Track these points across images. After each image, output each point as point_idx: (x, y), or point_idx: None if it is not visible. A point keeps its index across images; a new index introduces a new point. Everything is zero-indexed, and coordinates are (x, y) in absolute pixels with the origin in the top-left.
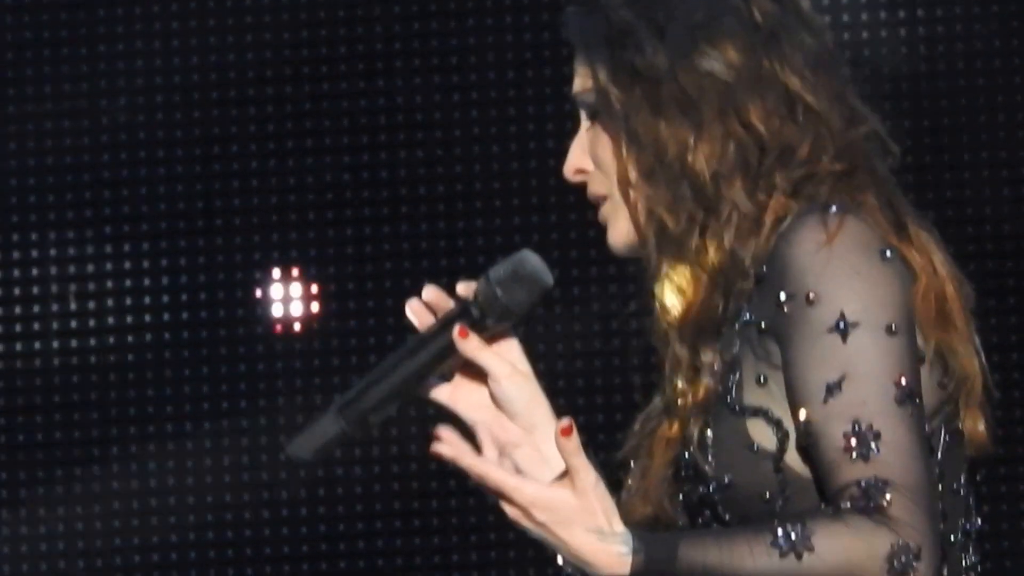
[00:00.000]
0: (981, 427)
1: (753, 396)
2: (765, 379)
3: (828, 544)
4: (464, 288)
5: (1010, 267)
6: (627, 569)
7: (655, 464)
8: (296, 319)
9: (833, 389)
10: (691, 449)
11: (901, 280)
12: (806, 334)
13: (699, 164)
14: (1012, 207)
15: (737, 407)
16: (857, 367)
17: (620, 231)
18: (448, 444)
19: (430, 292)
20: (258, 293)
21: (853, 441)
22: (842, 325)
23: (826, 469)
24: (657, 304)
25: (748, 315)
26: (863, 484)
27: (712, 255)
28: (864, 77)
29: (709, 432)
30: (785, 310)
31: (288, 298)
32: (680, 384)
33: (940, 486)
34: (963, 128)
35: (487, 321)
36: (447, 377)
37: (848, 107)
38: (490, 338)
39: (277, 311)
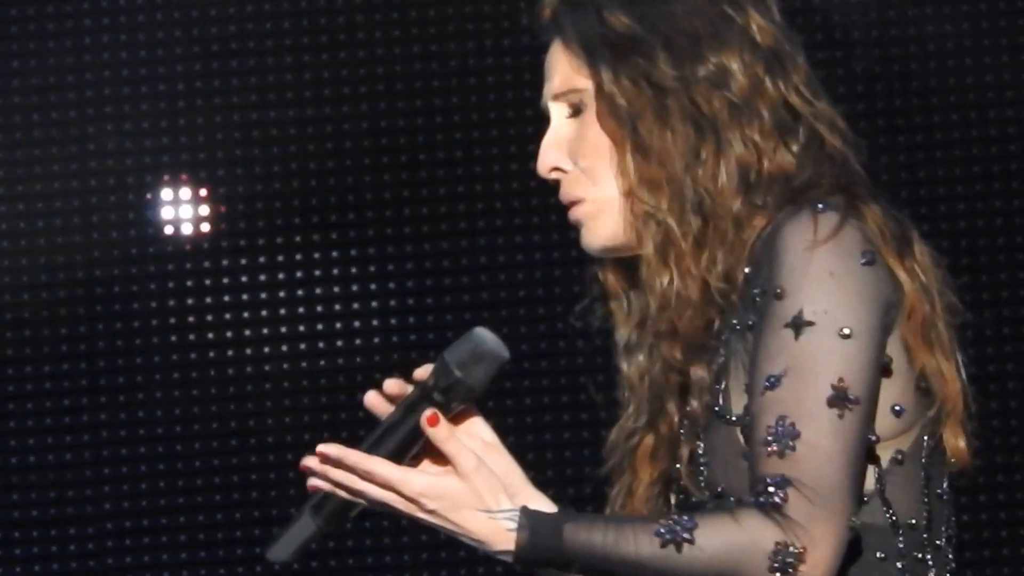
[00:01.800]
0: (962, 443)
1: (740, 404)
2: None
3: (710, 537)
4: (421, 372)
5: (986, 280)
6: (513, 545)
7: (641, 481)
8: (186, 221)
9: (773, 382)
10: (682, 463)
11: (878, 286)
12: (767, 326)
13: (704, 176)
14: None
15: (727, 416)
16: (800, 365)
17: (603, 232)
18: (334, 445)
19: (391, 385)
20: (148, 196)
21: (774, 436)
22: (799, 322)
23: (751, 459)
24: (631, 322)
25: (736, 320)
26: (769, 480)
27: (707, 267)
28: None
29: (700, 443)
30: (757, 302)
31: (178, 201)
32: (669, 405)
33: (926, 492)
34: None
35: (451, 404)
36: (416, 461)
37: (839, 127)
38: (454, 417)
39: (167, 214)
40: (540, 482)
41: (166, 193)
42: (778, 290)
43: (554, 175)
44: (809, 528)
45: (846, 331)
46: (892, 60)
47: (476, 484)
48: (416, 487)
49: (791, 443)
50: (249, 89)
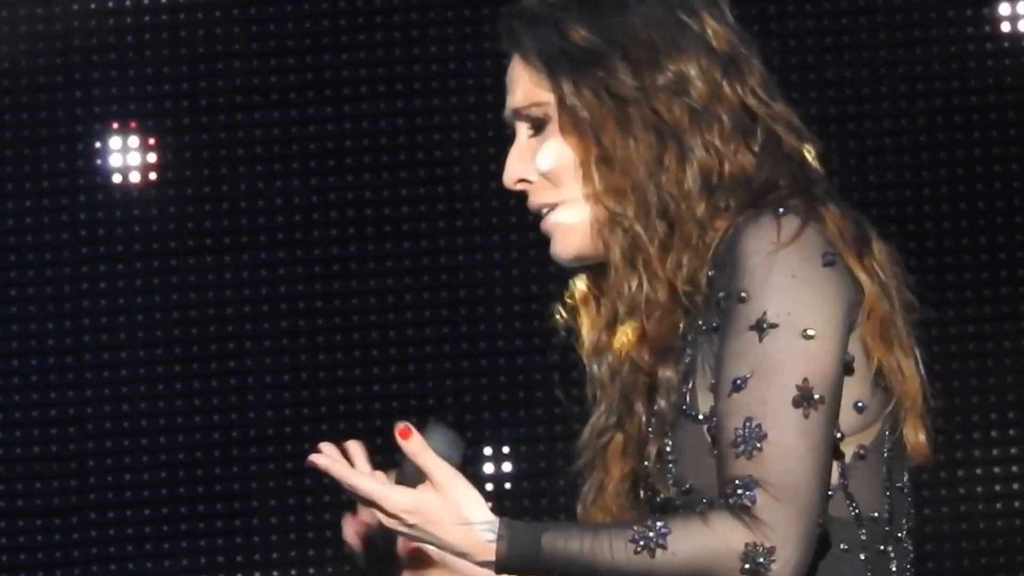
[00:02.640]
0: (922, 437)
1: (707, 403)
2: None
3: (682, 543)
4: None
5: (951, 280)
6: (493, 555)
7: (611, 477)
8: (134, 169)
9: (739, 384)
10: (650, 461)
11: (839, 287)
12: (732, 330)
13: (668, 182)
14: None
15: (694, 415)
16: (765, 366)
17: (572, 244)
18: (325, 456)
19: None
20: (97, 145)
21: (742, 438)
22: (763, 325)
23: (719, 461)
24: (600, 325)
25: (701, 321)
26: (738, 482)
27: (674, 271)
28: None
29: (668, 441)
30: (723, 308)
31: (126, 149)
32: (637, 405)
33: (888, 486)
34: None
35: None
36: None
37: (795, 127)
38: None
39: (115, 162)
40: (515, 475)
41: (114, 141)
42: (742, 294)
43: (520, 186)
44: (778, 528)
45: (809, 332)
46: (855, 63)
47: (452, 495)
48: (396, 503)
49: (758, 444)
50: (197, 41)
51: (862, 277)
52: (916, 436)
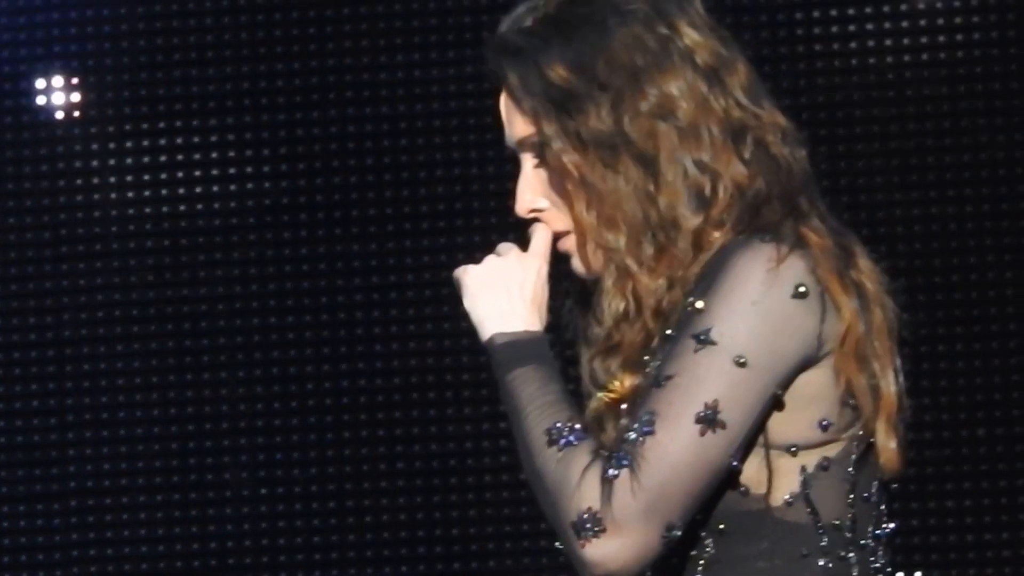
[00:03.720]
0: (892, 445)
1: None
2: None
3: (571, 458)
4: None
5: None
6: (486, 336)
7: None
8: (58, 108)
9: (662, 382)
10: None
11: (802, 320)
12: (681, 332)
13: (657, 211)
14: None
15: None
16: (687, 375)
17: (587, 263)
18: None
19: None
20: (22, 84)
21: (636, 426)
22: (702, 337)
23: (617, 434)
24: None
25: (669, 331)
26: (617, 455)
27: (662, 290)
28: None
29: None
30: (688, 311)
31: (50, 89)
32: (609, 425)
33: (852, 496)
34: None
35: None
36: None
37: (779, 126)
38: None
39: (40, 100)
40: (494, 468)
41: (39, 81)
42: (699, 304)
43: (533, 215)
44: (621, 515)
45: (742, 359)
46: (818, 72)
47: (533, 272)
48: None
49: (644, 437)
50: None
51: (842, 301)
52: (887, 443)
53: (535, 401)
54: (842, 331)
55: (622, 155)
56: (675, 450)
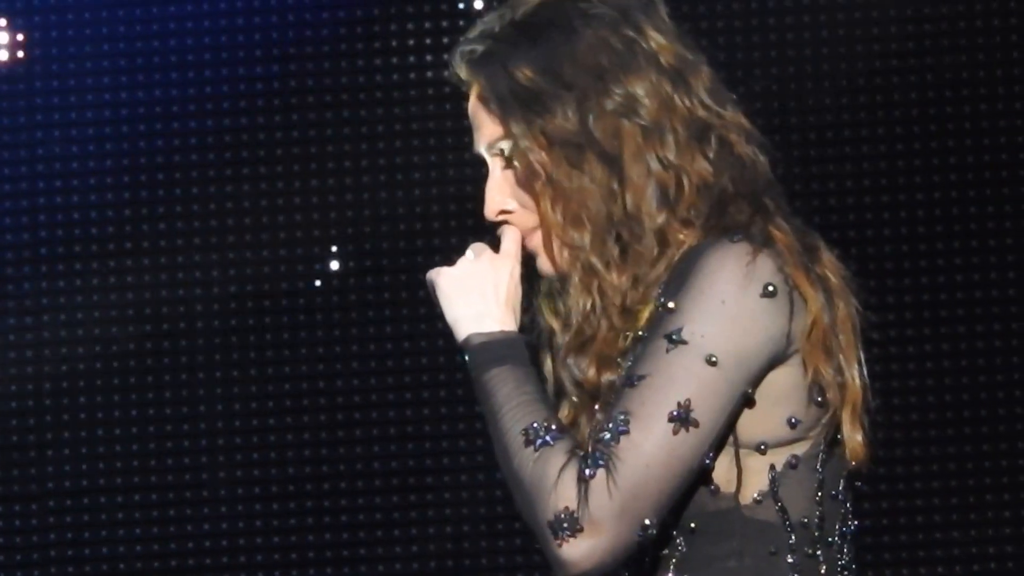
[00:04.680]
0: (859, 437)
1: None
2: None
3: (548, 458)
4: None
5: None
6: (463, 335)
7: None
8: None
9: (635, 382)
10: None
11: (770, 319)
12: (652, 333)
13: (622, 209)
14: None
15: None
16: (659, 375)
17: (551, 263)
18: None
19: None
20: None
21: (611, 424)
22: (673, 337)
23: (590, 436)
24: (554, 327)
25: (642, 331)
26: (592, 455)
27: (627, 287)
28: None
29: None
30: (659, 312)
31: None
32: (582, 419)
33: (820, 494)
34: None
35: None
36: None
37: (743, 128)
38: None
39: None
40: (469, 467)
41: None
42: (670, 304)
43: (502, 217)
44: (597, 514)
45: (713, 359)
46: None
47: (504, 273)
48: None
49: (618, 437)
50: None
51: (809, 293)
52: (854, 435)
53: (511, 401)
54: (809, 324)
55: (587, 154)
56: (649, 449)
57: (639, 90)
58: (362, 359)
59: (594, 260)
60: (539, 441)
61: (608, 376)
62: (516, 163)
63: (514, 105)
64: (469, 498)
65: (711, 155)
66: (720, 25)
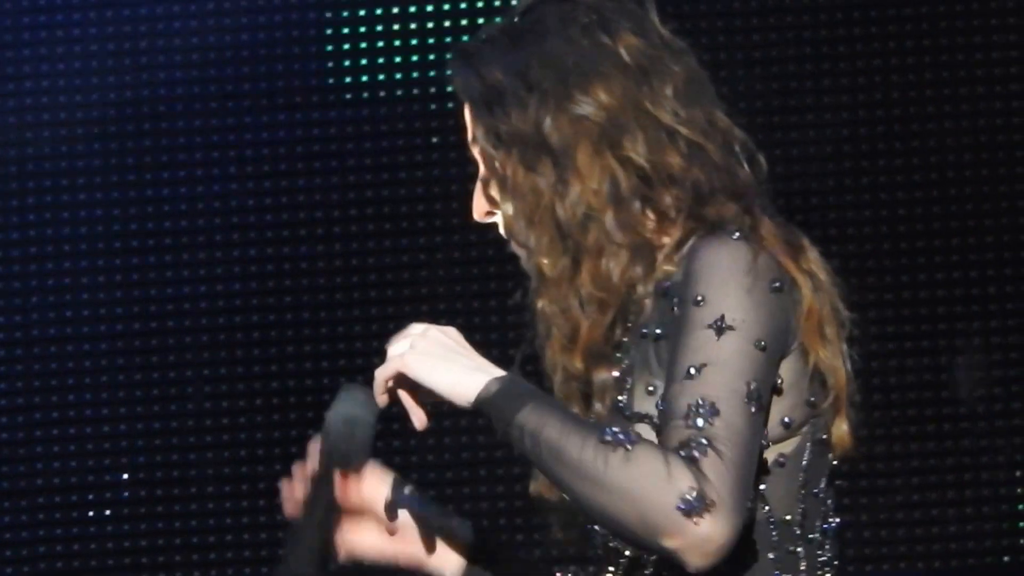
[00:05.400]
0: (845, 427)
1: (642, 403)
2: (654, 389)
3: (641, 455)
4: (311, 461)
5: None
6: (475, 391)
7: None
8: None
9: (694, 373)
10: None
11: (784, 313)
12: (688, 328)
13: (567, 209)
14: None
15: (627, 412)
16: (720, 361)
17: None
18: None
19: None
20: None
21: (693, 412)
22: (720, 324)
23: (664, 432)
24: (540, 328)
25: (645, 328)
26: (690, 440)
27: (590, 287)
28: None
29: None
30: (676, 311)
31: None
32: (575, 407)
33: (803, 491)
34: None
35: (349, 467)
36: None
37: (720, 130)
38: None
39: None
40: (453, 463)
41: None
42: (698, 298)
43: (487, 219)
44: (721, 489)
45: (761, 343)
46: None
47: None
48: (417, 325)
49: (711, 419)
50: None
51: (800, 280)
52: (841, 426)
53: (567, 424)
54: (805, 310)
55: (541, 155)
56: (742, 427)
57: (601, 92)
58: (349, 355)
59: (543, 261)
60: (622, 447)
61: (601, 373)
62: (481, 160)
63: (481, 105)
64: (454, 494)
65: (678, 156)
66: (719, 24)
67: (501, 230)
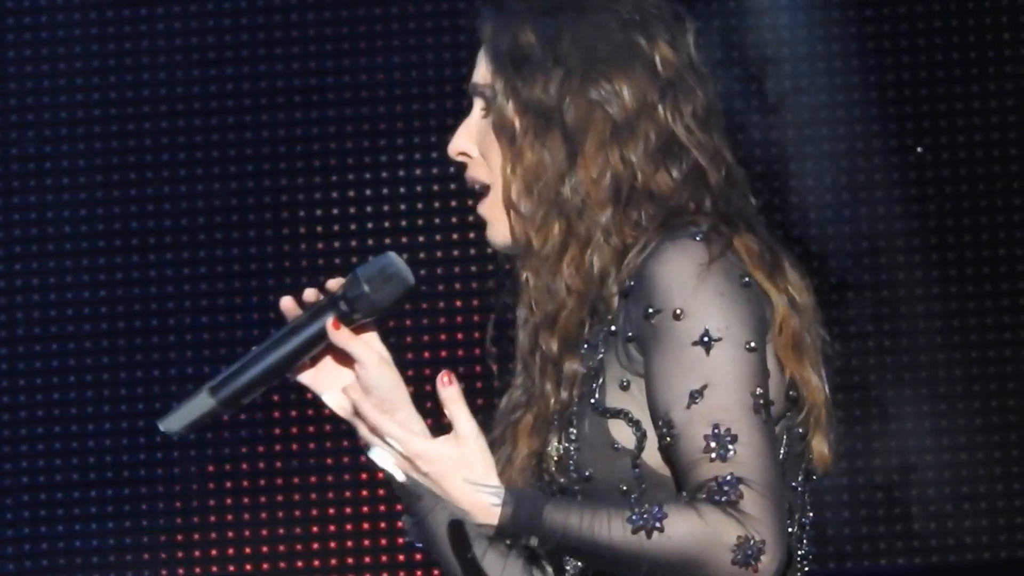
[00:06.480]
0: (825, 449)
1: (615, 399)
2: (628, 384)
3: (677, 527)
4: (334, 283)
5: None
6: (495, 520)
7: (519, 453)
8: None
9: (696, 396)
10: (554, 444)
11: (758, 303)
12: (672, 346)
13: (569, 191)
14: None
15: (600, 408)
16: (719, 377)
17: (501, 231)
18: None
19: (309, 293)
20: None
21: (713, 443)
22: (706, 339)
23: (686, 468)
24: (519, 311)
25: (613, 326)
26: (719, 480)
27: (573, 275)
28: None
29: (572, 430)
30: (652, 323)
31: None
32: (547, 389)
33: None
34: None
35: (355, 315)
36: (313, 362)
37: (725, 162)
38: (355, 329)
39: None
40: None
41: None
42: (676, 311)
43: (460, 158)
44: (766, 522)
45: (750, 344)
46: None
47: (470, 454)
48: (414, 450)
49: (730, 447)
50: None
51: (772, 293)
52: (821, 447)
53: (595, 515)
54: (778, 321)
55: (554, 130)
56: (760, 443)
57: (624, 88)
58: None
59: (532, 232)
60: (652, 523)
61: (573, 363)
62: (492, 115)
63: (506, 62)
64: None
65: (676, 173)
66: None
67: (472, 172)
